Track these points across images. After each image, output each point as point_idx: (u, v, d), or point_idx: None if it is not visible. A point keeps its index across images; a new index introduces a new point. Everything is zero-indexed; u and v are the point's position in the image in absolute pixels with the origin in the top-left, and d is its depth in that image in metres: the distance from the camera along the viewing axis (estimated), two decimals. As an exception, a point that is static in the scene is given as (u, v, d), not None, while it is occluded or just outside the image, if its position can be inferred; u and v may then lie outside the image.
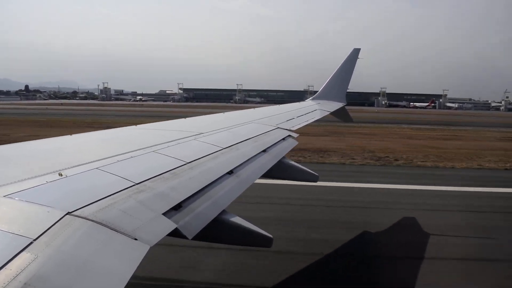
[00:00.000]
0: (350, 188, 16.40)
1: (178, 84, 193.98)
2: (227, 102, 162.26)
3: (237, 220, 3.40)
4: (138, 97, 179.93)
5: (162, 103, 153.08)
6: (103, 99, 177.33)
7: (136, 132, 5.26)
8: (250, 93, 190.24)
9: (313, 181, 6.35)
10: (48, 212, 2.14)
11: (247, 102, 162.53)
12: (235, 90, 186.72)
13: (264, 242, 3.57)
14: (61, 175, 2.69)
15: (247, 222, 3.47)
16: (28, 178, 2.55)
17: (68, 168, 2.85)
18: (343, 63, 15.16)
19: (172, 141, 4.35)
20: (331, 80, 15.10)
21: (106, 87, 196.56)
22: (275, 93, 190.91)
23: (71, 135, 4.33)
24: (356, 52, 15.25)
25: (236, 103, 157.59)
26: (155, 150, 3.83)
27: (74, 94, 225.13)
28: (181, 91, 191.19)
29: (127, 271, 1.96)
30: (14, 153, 3.47)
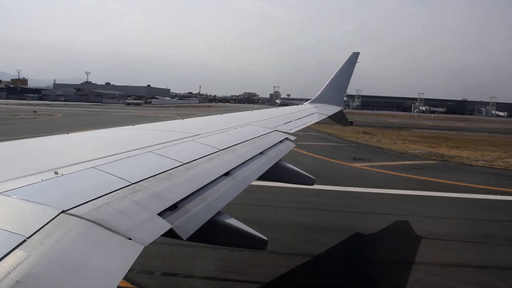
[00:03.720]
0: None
1: (357, 91, 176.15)
2: (398, 110, 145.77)
3: (232, 221, 3.40)
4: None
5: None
6: (282, 104, 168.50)
7: (133, 132, 5.26)
8: (428, 102, 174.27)
9: (310, 184, 6.36)
10: (43, 210, 2.14)
11: (433, 112, 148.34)
12: (408, 98, 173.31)
13: (259, 244, 3.57)
14: (57, 173, 2.69)
15: (242, 224, 3.48)
16: (24, 176, 2.55)
17: (64, 166, 2.85)
18: (342, 66, 15.16)
19: (169, 141, 4.35)
20: (330, 84, 15.11)
21: (276, 92, 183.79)
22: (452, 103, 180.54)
23: (67, 133, 4.33)
24: (355, 56, 15.26)
25: (419, 112, 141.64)
26: (151, 150, 3.84)
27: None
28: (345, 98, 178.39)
29: (120, 271, 1.95)
30: (10, 151, 3.46)
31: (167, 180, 3.17)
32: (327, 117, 12.63)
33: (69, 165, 2.91)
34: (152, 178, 3.09)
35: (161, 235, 2.51)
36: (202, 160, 3.97)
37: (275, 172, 5.45)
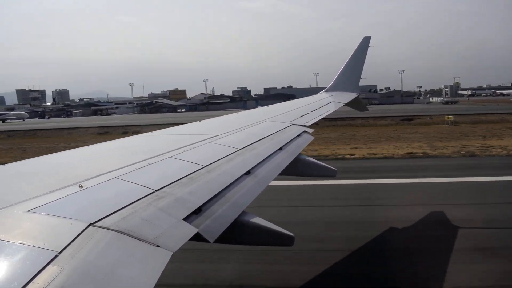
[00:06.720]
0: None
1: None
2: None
3: (258, 220, 3.39)
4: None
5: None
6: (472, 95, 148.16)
7: (151, 139, 5.31)
8: None
9: (332, 176, 6.29)
10: (71, 224, 2.18)
11: None
12: None
13: (286, 241, 3.55)
14: (81, 186, 2.73)
15: (267, 222, 3.46)
16: (49, 192, 2.59)
17: (88, 179, 2.90)
18: (354, 52, 14.84)
19: (187, 145, 4.36)
20: (343, 71, 14.85)
21: (457, 83, 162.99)
22: None
23: (88, 146, 4.40)
24: (366, 40, 14.92)
25: None
26: (171, 155, 3.86)
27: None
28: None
29: (151, 279, 1.97)
30: (34, 168, 3.54)
31: (190, 184, 3.18)
32: (344, 104, 12.45)
33: (92, 177, 2.95)
34: (174, 183, 3.11)
35: (188, 240, 2.53)
36: (222, 161, 3.97)
37: (296, 167, 5.41)
